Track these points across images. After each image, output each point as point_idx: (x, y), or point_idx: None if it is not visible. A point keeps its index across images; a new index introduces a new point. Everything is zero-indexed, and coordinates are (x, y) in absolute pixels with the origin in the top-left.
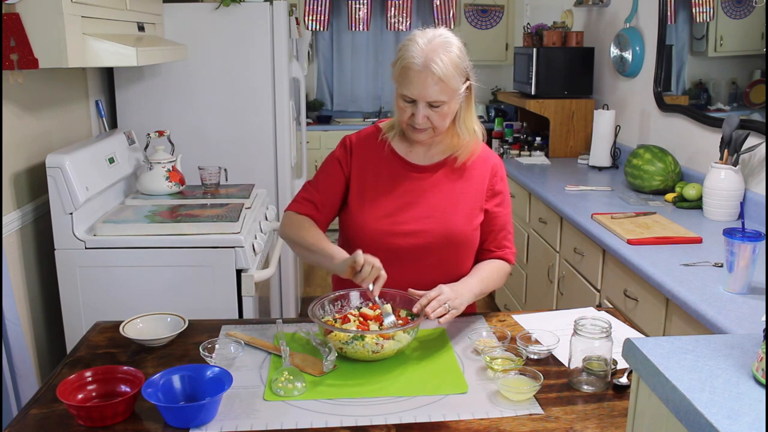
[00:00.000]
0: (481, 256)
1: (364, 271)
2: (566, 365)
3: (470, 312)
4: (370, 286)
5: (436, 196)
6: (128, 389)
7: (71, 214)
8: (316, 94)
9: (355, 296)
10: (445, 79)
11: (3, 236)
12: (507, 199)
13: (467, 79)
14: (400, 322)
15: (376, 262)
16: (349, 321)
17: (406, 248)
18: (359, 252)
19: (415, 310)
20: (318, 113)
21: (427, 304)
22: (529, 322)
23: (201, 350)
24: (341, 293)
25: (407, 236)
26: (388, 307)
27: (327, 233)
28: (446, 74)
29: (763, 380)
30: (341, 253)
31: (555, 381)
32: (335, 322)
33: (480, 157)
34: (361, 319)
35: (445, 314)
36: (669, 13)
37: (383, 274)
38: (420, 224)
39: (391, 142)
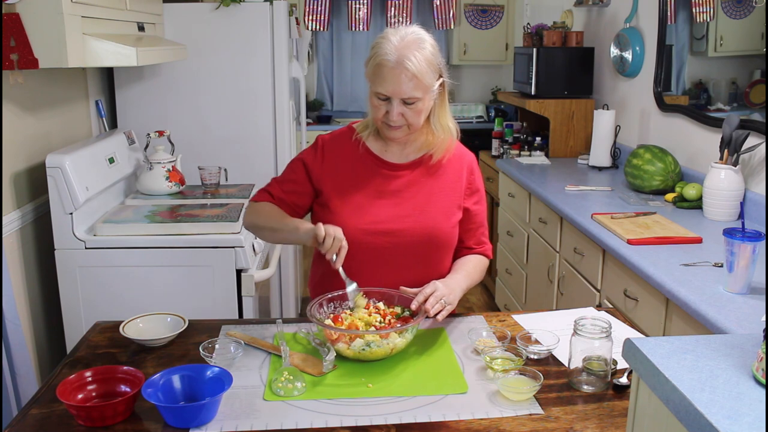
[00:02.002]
0: (460, 253)
1: (326, 243)
2: (566, 365)
3: (455, 313)
4: (333, 257)
5: (413, 195)
6: (128, 389)
7: (71, 214)
8: (316, 94)
9: (353, 296)
10: (419, 75)
11: (3, 236)
12: (483, 196)
13: (440, 76)
14: (384, 308)
15: (338, 233)
16: (343, 322)
17: (386, 247)
18: (320, 224)
19: (413, 307)
20: (318, 113)
21: (424, 300)
22: (529, 322)
23: (201, 350)
24: (340, 293)
25: (387, 235)
26: (353, 287)
27: None
28: (420, 70)
29: (763, 380)
30: (305, 224)
31: (555, 381)
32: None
33: (455, 154)
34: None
35: (441, 310)
36: (669, 13)
37: (345, 245)
38: (399, 223)
39: (365, 142)
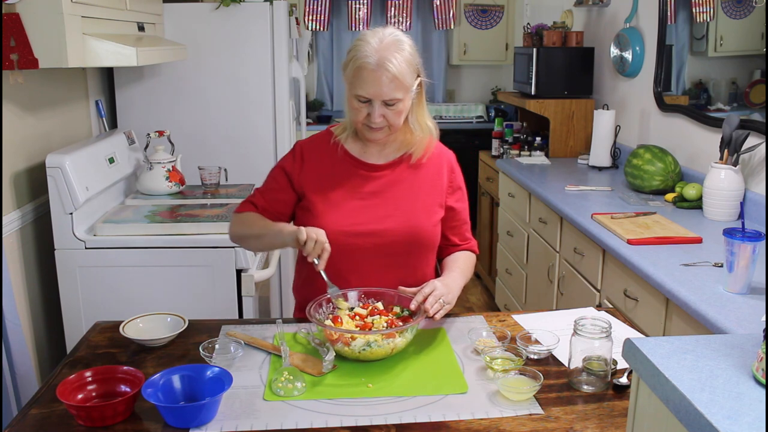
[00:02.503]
0: (447, 250)
1: (308, 247)
2: (566, 365)
3: (452, 313)
4: (316, 261)
5: (394, 195)
6: (128, 389)
7: (71, 214)
8: (316, 94)
9: (352, 296)
10: (400, 76)
11: (3, 236)
12: (465, 193)
13: (418, 75)
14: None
15: (320, 235)
16: (341, 323)
17: (369, 248)
18: (301, 228)
19: (412, 307)
20: (318, 113)
21: (423, 300)
22: (529, 322)
23: (201, 350)
24: (339, 293)
25: (369, 236)
26: (334, 290)
27: None
28: (401, 71)
29: (763, 380)
30: (288, 227)
31: (555, 381)
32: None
33: (434, 153)
34: (362, 322)
35: (439, 309)
36: (669, 13)
37: (327, 247)
38: (381, 224)
39: (344, 144)
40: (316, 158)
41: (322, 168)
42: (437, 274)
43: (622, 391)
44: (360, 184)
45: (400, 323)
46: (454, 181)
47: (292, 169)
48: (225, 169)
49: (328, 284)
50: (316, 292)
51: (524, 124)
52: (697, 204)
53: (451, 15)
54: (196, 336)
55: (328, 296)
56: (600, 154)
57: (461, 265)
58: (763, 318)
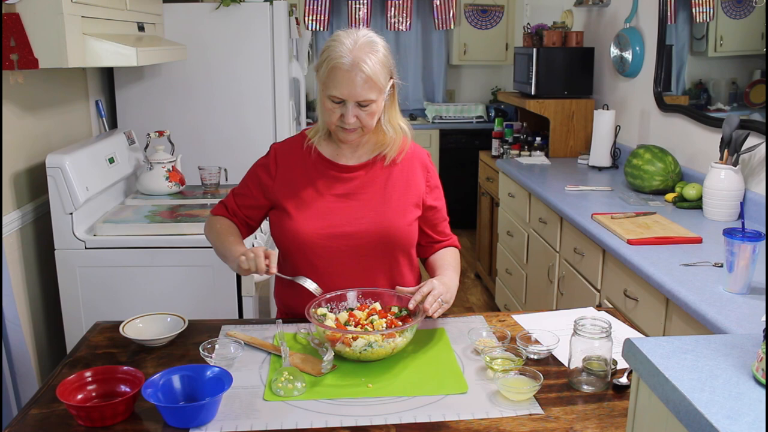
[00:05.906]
0: (431, 248)
1: (251, 270)
2: (566, 365)
3: (448, 314)
4: (264, 275)
5: (369, 196)
6: (128, 389)
7: (71, 214)
8: (315, 94)
9: (351, 296)
10: (374, 77)
11: (3, 236)
12: (441, 190)
13: (391, 77)
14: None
15: (258, 257)
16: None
17: (344, 250)
18: (241, 256)
19: (410, 306)
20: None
21: (422, 299)
22: (529, 322)
23: (201, 350)
24: (338, 293)
25: (344, 238)
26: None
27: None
28: (375, 72)
29: (763, 380)
30: (235, 252)
31: (555, 381)
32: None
33: (408, 153)
34: (361, 321)
35: (438, 308)
36: (669, 13)
37: (269, 252)
38: (355, 225)
39: (317, 147)
40: (290, 162)
41: (295, 171)
42: (420, 272)
43: (622, 391)
44: (333, 185)
45: (400, 323)
46: (430, 180)
47: (266, 175)
48: (225, 169)
49: (299, 280)
50: (296, 298)
51: (524, 124)
52: (697, 204)
53: (451, 15)
54: (196, 336)
55: (328, 296)
56: (600, 154)
57: (452, 262)
58: (763, 318)
